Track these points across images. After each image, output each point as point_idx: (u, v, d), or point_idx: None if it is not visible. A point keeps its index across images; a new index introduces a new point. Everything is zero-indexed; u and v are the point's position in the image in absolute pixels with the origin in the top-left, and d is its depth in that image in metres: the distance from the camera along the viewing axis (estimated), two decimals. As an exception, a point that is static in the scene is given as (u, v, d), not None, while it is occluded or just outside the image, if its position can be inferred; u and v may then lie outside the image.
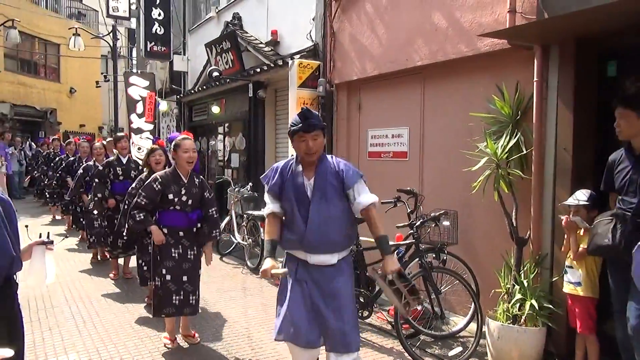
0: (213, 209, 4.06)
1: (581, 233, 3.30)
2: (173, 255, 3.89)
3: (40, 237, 2.06)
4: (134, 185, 4.82)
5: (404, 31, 5.13)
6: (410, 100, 5.19)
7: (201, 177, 4.13)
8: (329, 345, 2.74)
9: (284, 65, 6.68)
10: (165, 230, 3.91)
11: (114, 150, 6.43)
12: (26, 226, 2.18)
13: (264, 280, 6.21)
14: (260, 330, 4.46)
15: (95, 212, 6.21)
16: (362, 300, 4.25)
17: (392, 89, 5.47)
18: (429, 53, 4.82)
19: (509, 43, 3.95)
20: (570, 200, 3.35)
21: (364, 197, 2.70)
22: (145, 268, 4.84)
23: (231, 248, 7.42)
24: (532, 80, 3.83)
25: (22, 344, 1.92)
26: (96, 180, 6.02)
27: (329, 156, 2.82)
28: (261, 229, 6.54)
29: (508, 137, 3.84)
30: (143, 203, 3.86)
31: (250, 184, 7.71)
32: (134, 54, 17.27)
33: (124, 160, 6.15)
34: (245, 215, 7.02)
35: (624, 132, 2.98)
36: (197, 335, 4.16)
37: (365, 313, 4.29)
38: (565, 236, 3.41)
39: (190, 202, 3.93)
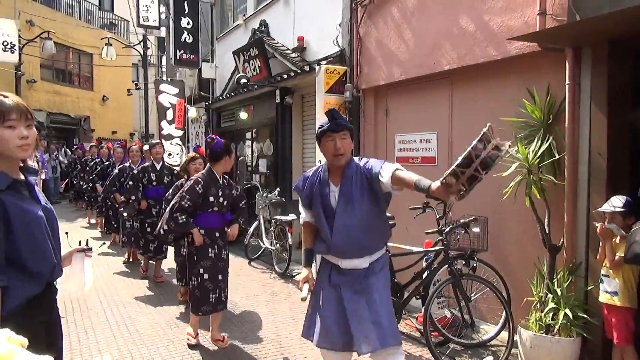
0: (243, 202, 4.33)
1: (617, 241, 3.20)
2: (210, 255, 4.05)
3: (79, 244, 2.13)
4: (170, 191, 4.98)
5: (431, 35, 5.10)
6: (438, 105, 5.14)
7: (227, 177, 4.30)
8: (365, 344, 2.60)
9: (311, 71, 6.72)
10: (202, 232, 4.05)
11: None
12: (66, 233, 2.26)
13: (291, 284, 6.25)
14: (289, 335, 4.48)
15: (125, 214, 6.37)
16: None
17: (419, 93, 5.44)
18: (456, 57, 4.78)
19: (540, 46, 3.88)
20: (606, 207, 3.26)
21: (386, 171, 2.53)
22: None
23: (259, 253, 7.49)
24: (563, 83, 3.75)
25: (60, 349, 1.99)
26: (130, 183, 6.18)
27: (355, 158, 2.76)
28: (289, 234, 6.59)
29: (539, 142, 3.76)
30: (186, 205, 3.97)
31: (278, 189, 7.77)
32: (164, 62, 17.64)
33: (158, 167, 6.31)
34: (273, 221, 7.07)
35: (661, 136, 2.89)
36: (226, 338, 4.23)
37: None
38: (601, 244, 3.31)
39: (225, 202, 4.13)
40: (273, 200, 7.33)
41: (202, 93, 12.22)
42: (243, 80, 7.86)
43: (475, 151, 2.00)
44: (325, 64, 6.48)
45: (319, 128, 2.71)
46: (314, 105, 6.82)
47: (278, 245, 6.93)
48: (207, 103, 11.75)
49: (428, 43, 5.14)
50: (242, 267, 7.22)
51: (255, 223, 7.52)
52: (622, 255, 3.07)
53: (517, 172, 3.82)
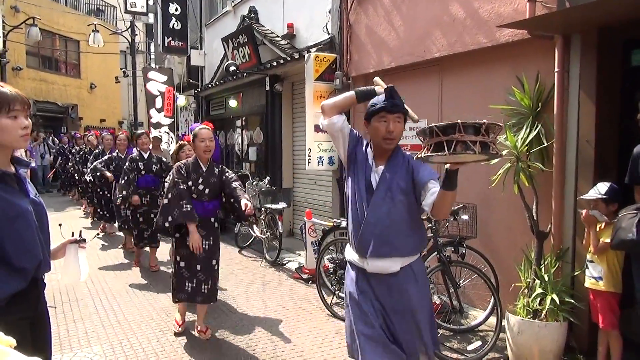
0: (237, 183, 4.06)
1: (601, 227, 3.24)
2: (188, 244, 3.95)
3: (72, 235, 2.10)
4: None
5: (421, 23, 5.07)
6: (428, 92, 5.13)
7: (222, 165, 4.21)
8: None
9: (300, 58, 6.67)
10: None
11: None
12: (60, 225, 2.23)
13: (282, 273, 6.27)
14: (280, 324, 4.50)
15: (122, 207, 6.46)
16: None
17: (409, 81, 5.42)
18: (446, 44, 4.76)
19: (529, 33, 3.88)
20: (591, 193, 3.29)
21: (429, 198, 2.24)
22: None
23: (250, 241, 7.49)
24: (553, 71, 3.76)
25: (48, 341, 1.96)
26: (125, 178, 6.11)
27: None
28: (279, 223, 6.59)
29: (528, 130, 3.77)
30: (183, 187, 3.93)
31: (268, 177, 7.75)
32: (152, 49, 17.41)
33: (145, 156, 6.28)
34: (263, 209, 7.06)
35: (648, 123, 2.90)
36: (209, 331, 4.18)
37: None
38: (586, 230, 3.35)
39: (207, 191, 4.02)
40: (263, 189, 7.31)
41: (191, 81, 12.10)
42: (232, 68, 7.79)
43: (464, 127, 1.77)
44: (315, 51, 6.43)
45: (371, 106, 2.40)
46: (303, 93, 6.79)
47: (268, 233, 6.93)
48: (196, 91, 11.64)
49: (418, 30, 5.11)
50: (232, 256, 7.22)
51: (246, 211, 7.49)
52: (607, 241, 3.11)
53: (505, 160, 3.84)
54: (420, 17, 5.07)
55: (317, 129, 6.45)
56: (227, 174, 4.13)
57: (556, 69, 3.73)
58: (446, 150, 1.77)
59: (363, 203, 2.38)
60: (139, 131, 7.16)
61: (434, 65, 5.04)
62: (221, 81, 9.88)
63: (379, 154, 2.45)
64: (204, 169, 4.03)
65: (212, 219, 4.11)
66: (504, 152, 3.80)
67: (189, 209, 3.89)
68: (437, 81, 5.03)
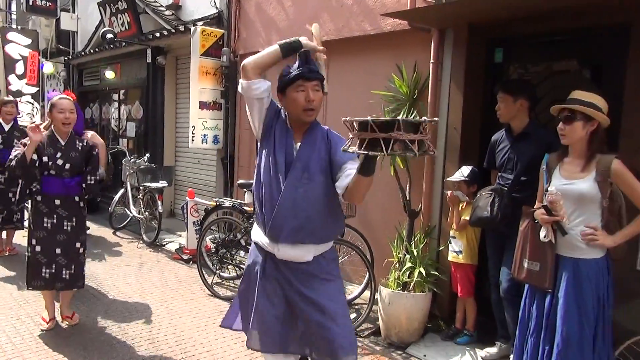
0: (93, 177, 3.67)
1: (463, 206, 3.60)
2: (45, 225, 3.57)
3: None
4: None
5: (311, 5, 5.12)
6: (315, 75, 5.21)
7: (87, 141, 3.75)
8: (315, 354, 2.25)
9: (186, 31, 6.37)
10: (40, 198, 3.57)
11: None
12: None
13: (161, 254, 6.02)
14: (157, 306, 4.32)
15: None
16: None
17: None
18: (334, 29, 4.87)
19: (409, 24, 4.11)
20: (456, 176, 3.63)
21: (344, 180, 2.07)
22: None
23: (126, 222, 7.06)
24: (429, 61, 4.03)
25: None
26: None
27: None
28: (159, 202, 6.30)
29: (405, 115, 4.02)
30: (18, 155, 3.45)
31: (147, 154, 7.33)
32: (14, 7, 15.37)
33: (7, 128, 5.52)
34: (141, 188, 6.68)
35: (503, 114, 3.26)
36: (76, 316, 3.88)
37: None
38: (450, 209, 3.69)
39: (67, 166, 3.59)
40: (142, 167, 6.91)
41: (60, 47, 10.93)
42: (109, 36, 7.18)
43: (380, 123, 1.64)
44: (202, 25, 6.19)
45: (285, 75, 2.15)
46: (188, 68, 6.51)
47: (147, 213, 6.59)
48: (66, 58, 10.56)
49: (307, 12, 5.16)
50: (105, 237, 6.75)
51: (122, 190, 7.05)
52: (466, 218, 3.46)
53: (384, 143, 4.05)
54: (310, 0, 5.12)
55: (202, 105, 6.26)
56: (95, 153, 3.71)
57: (431, 60, 4.01)
58: (384, 150, 1.61)
59: (279, 183, 2.13)
60: (5, 98, 6.19)
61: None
62: (96, 49, 9.08)
63: (296, 129, 2.21)
64: (63, 143, 3.60)
65: (76, 197, 3.68)
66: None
67: (18, 154, 3.42)
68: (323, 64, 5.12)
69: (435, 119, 1.71)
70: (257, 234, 2.30)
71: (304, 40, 2.23)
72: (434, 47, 4.00)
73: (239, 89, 2.29)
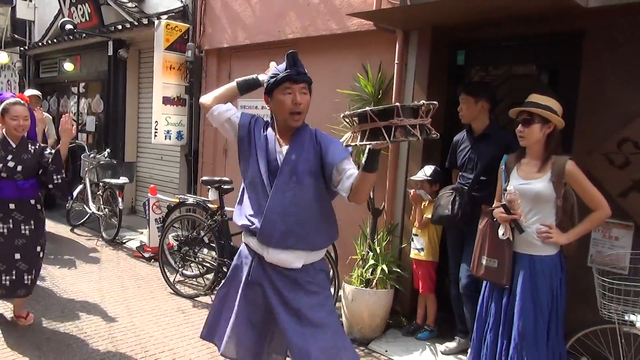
0: (57, 177, 3.49)
1: (425, 204, 3.68)
2: (1, 231, 3.43)
3: None
4: None
5: (277, 2, 5.10)
6: (281, 73, 5.20)
7: (40, 144, 3.62)
8: None
9: (150, 24, 6.23)
10: None
11: None
12: None
13: (121, 252, 5.88)
14: (116, 304, 4.21)
15: None
16: (225, 270, 4.24)
17: (263, 59, 5.33)
18: (300, 27, 4.87)
19: (375, 25, 4.16)
20: (419, 175, 3.70)
21: (347, 182, 2.00)
22: None
23: (84, 219, 6.84)
24: (393, 62, 4.09)
25: None
26: None
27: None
28: (119, 199, 6.14)
29: (370, 115, 4.06)
30: None
31: (108, 150, 7.12)
32: (-35, -7, 14.65)
33: None
34: (101, 184, 6.50)
35: (465, 115, 3.35)
36: (30, 316, 3.74)
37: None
38: (413, 207, 3.76)
39: (19, 168, 3.44)
40: (102, 162, 6.71)
41: (16, 36, 10.49)
42: (68, 26, 6.96)
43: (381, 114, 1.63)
44: (166, 19, 6.07)
45: (272, 77, 2.08)
46: (152, 62, 6.37)
47: (106, 210, 6.42)
48: (22, 48, 10.15)
49: (274, 10, 5.14)
50: (62, 235, 6.53)
51: (80, 186, 6.82)
52: (428, 216, 3.54)
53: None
54: (277, -3, 5.10)
55: (166, 101, 6.15)
56: (46, 155, 3.53)
57: (396, 61, 4.07)
58: (386, 138, 1.59)
59: (265, 188, 2.09)
60: None
61: (289, 46, 5.09)
62: (55, 40, 8.76)
63: (283, 133, 2.14)
64: (14, 145, 3.45)
65: (32, 201, 3.54)
66: (347, 134, 4.05)
67: None
68: (290, 62, 5.12)
69: (434, 102, 1.72)
70: (248, 236, 2.25)
71: (262, 77, 2.23)
72: (398, 48, 4.06)
73: (210, 121, 2.29)
